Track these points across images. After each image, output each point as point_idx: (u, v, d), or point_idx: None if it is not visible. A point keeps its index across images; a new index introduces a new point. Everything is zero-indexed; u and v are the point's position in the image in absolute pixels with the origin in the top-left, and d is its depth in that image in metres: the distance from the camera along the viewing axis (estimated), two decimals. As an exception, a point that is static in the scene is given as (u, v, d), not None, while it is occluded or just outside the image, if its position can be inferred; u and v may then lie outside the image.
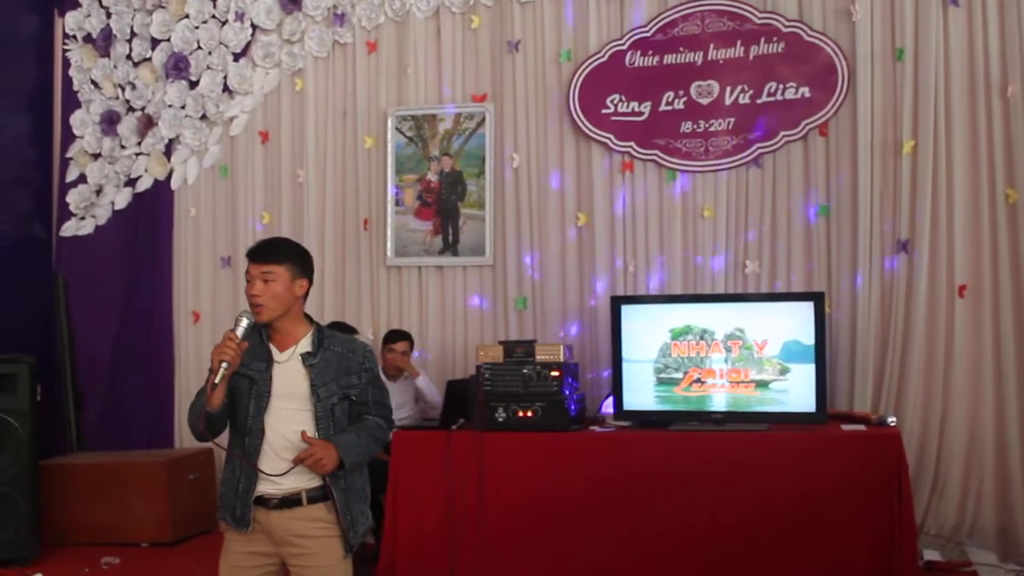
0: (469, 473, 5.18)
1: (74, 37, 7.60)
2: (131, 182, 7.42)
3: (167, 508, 6.39)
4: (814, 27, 6.06)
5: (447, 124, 6.76)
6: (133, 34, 7.37)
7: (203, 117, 7.23)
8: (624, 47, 6.39)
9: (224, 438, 3.40)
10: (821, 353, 5.24)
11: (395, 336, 6.34)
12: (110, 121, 7.46)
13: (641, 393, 5.50)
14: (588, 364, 6.33)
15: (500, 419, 5.29)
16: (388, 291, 6.86)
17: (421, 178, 6.81)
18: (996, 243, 5.76)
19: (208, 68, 7.16)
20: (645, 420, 5.46)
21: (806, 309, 5.29)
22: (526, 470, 5.17)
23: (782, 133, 6.08)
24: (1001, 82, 5.77)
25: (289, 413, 3.34)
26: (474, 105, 6.71)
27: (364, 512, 3.47)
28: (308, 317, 3.52)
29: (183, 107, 7.23)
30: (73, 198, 7.50)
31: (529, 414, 5.27)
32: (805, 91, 6.05)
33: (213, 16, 7.15)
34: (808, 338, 5.25)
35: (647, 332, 5.51)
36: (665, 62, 6.31)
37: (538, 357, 5.34)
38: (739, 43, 6.17)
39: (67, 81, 7.63)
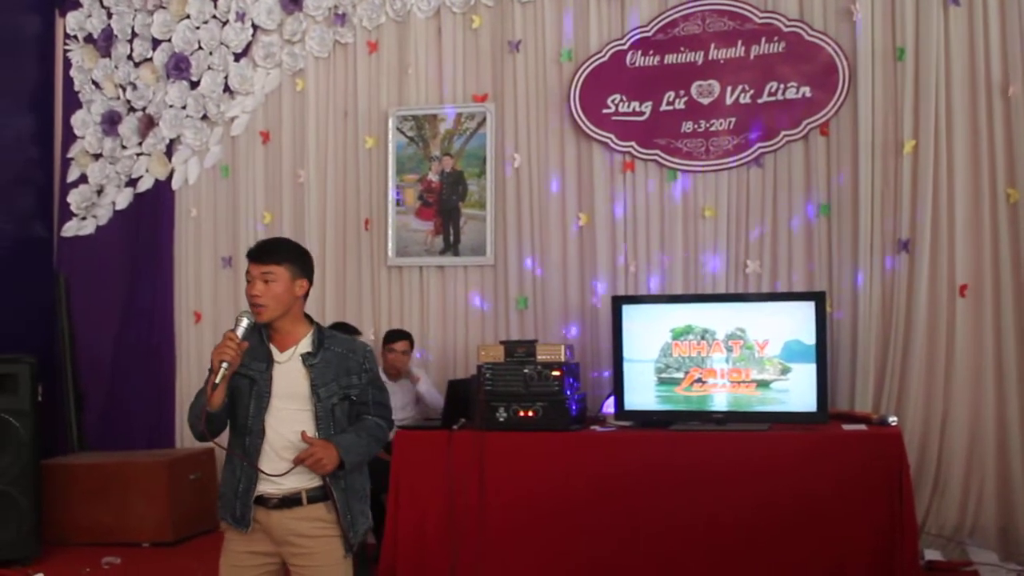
0: (470, 473, 5.18)
1: (75, 37, 7.60)
2: (132, 182, 7.43)
3: (168, 508, 6.39)
4: (815, 27, 6.06)
5: (448, 124, 6.76)
6: (134, 34, 7.38)
7: (204, 117, 7.23)
8: (625, 47, 6.39)
9: (224, 438, 3.40)
10: (822, 353, 5.24)
11: (395, 336, 6.34)
12: (111, 121, 7.46)
13: (642, 393, 5.50)
14: (589, 364, 6.33)
15: (501, 419, 5.29)
16: (389, 291, 6.86)
17: (422, 178, 6.81)
18: (997, 243, 5.76)
19: (209, 68, 7.16)
20: (646, 420, 5.46)
21: (807, 309, 5.29)
22: (527, 470, 5.17)
23: (783, 133, 6.08)
24: (1002, 81, 5.77)
25: (289, 413, 3.34)
26: (475, 105, 6.71)
27: (364, 512, 3.47)
28: (308, 317, 3.51)
29: (184, 107, 7.23)
30: (74, 198, 7.51)
31: (530, 414, 5.27)
32: (806, 91, 6.05)
33: (214, 16, 7.15)
34: (809, 338, 5.25)
35: (648, 332, 5.51)
36: (666, 62, 6.31)
37: (539, 357, 5.34)
38: (740, 43, 6.17)
39: (68, 81, 7.64)
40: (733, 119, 6.17)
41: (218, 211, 7.27)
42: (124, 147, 7.43)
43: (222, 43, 7.14)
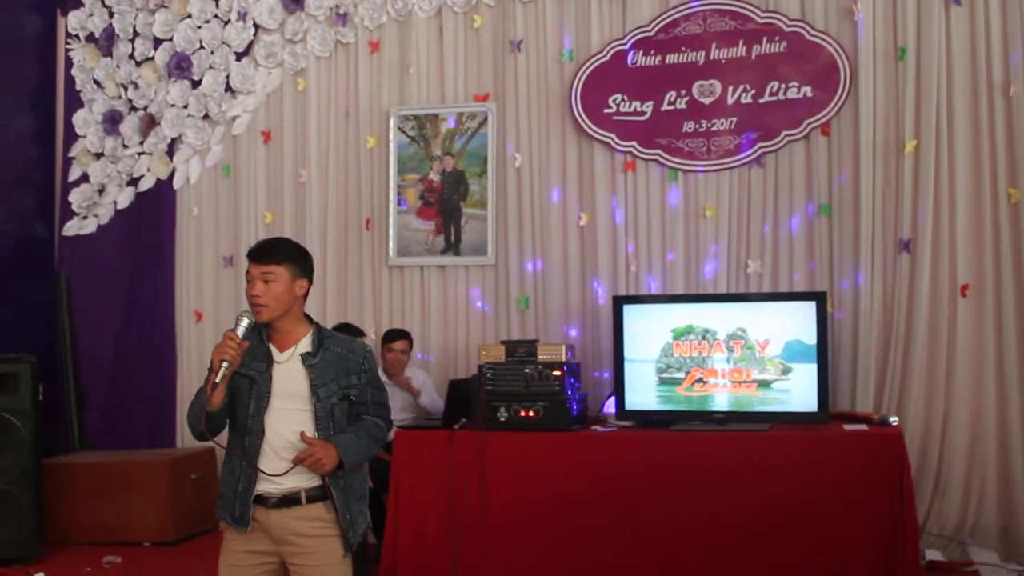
0: (471, 473, 5.18)
1: (77, 36, 7.60)
2: (133, 181, 7.43)
3: (169, 507, 6.39)
4: (816, 26, 6.06)
5: (449, 124, 6.76)
6: (136, 33, 7.38)
7: (205, 117, 7.23)
8: (626, 47, 6.39)
9: (223, 437, 3.40)
10: (823, 353, 5.24)
11: (394, 336, 6.33)
12: (112, 120, 7.46)
13: (643, 393, 5.50)
14: (590, 364, 6.34)
15: (502, 419, 5.29)
16: (390, 291, 6.86)
17: (423, 178, 6.81)
18: (998, 242, 5.75)
19: (210, 68, 7.17)
20: (647, 420, 5.46)
21: (808, 309, 5.29)
22: (528, 470, 5.17)
23: (784, 132, 6.08)
24: (1003, 81, 5.76)
25: (289, 413, 3.34)
26: (476, 105, 6.71)
27: (363, 512, 3.47)
28: (308, 317, 3.51)
29: (185, 106, 7.23)
30: (75, 197, 7.51)
31: (531, 414, 5.27)
32: (807, 90, 6.04)
33: (215, 16, 7.16)
34: (810, 338, 5.25)
35: (649, 332, 5.51)
36: (667, 62, 6.31)
37: (540, 357, 5.34)
38: (741, 42, 6.17)
39: (70, 80, 7.64)
40: (734, 119, 6.17)
41: (219, 210, 7.27)
42: (125, 146, 7.43)
43: (224, 42, 7.14)
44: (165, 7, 7.27)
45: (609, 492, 5.06)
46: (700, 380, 5.41)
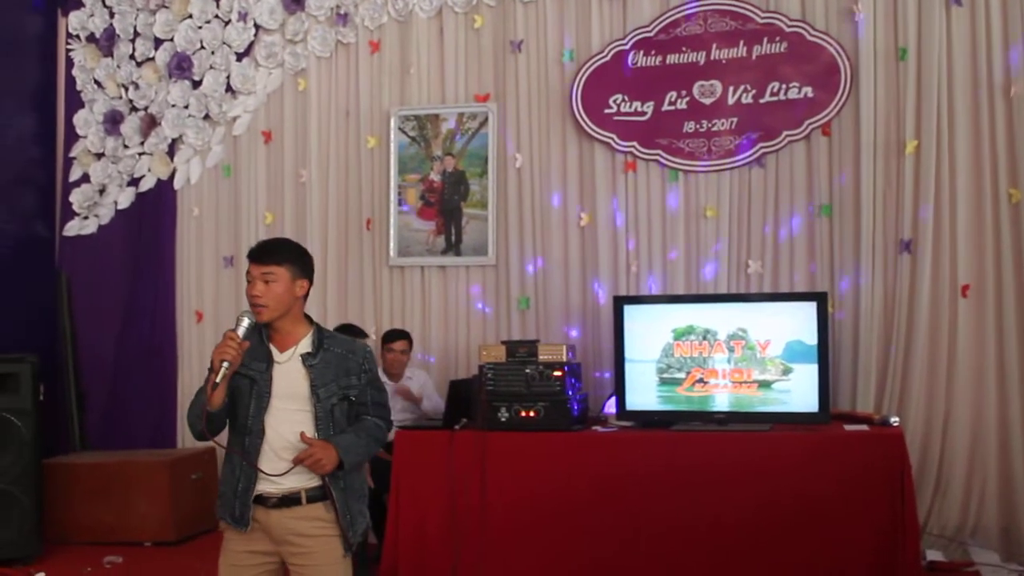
0: (472, 473, 5.18)
1: (77, 37, 7.61)
2: (134, 182, 7.43)
3: (170, 507, 6.40)
4: (817, 27, 6.06)
5: (450, 124, 6.76)
6: (136, 34, 7.38)
7: (206, 117, 7.23)
8: (627, 47, 6.39)
9: (223, 437, 3.40)
10: (824, 353, 5.23)
11: (393, 336, 6.33)
12: (113, 121, 7.46)
13: (644, 393, 5.50)
14: (591, 364, 6.34)
15: (503, 419, 5.29)
16: (391, 291, 6.86)
17: (424, 178, 6.81)
18: (999, 243, 5.75)
19: (211, 68, 7.17)
20: (648, 420, 5.46)
21: (809, 309, 5.28)
22: (529, 470, 5.17)
23: (785, 133, 6.08)
24: (1004, 82, 5.76)
25: (289, 413, 3.34)
26: (477, 105, 6.71)
27: (362, 512, 3.48)
28: (308, 317, 3.51)
29: (186, 107, 7.24)
30: (76, 198, 7.51)
31: (532, 414, 5.27)
32: (808, 91, 6.04)
33: (216, 16, 7.16)
34: (811, 338, 5.24)
35: (650, 332, 5.51)
36: (668, 62, 6.31)
37: (541, 357, 5.34)
38: (742, 43, 6.17)
39: (70, 81, 7.64)
40: (735, 119, 6.16)
41: (220, 211, 7.27)
42: (126, 146, 7.43)
43: (224, 43, 7.14)
44: (166, 7, 7.27)
45: (610, 492, 5.06)
46: (701, 380, 5.40)
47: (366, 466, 3.92)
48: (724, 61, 6.20)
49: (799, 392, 5.24)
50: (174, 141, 7.31)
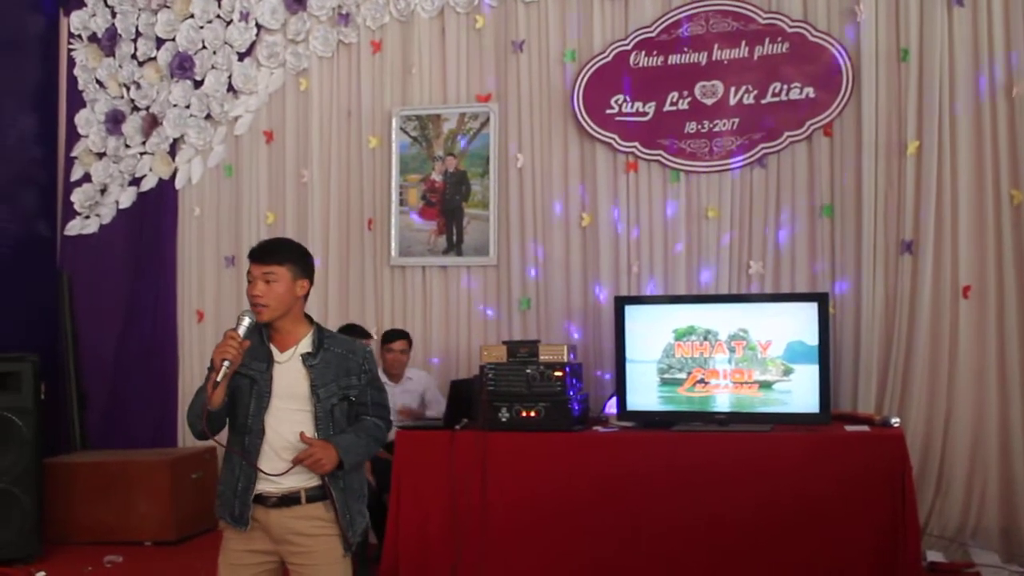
0: (472, 473, 5.17)
1: (79, 36, 7.61)
2: (135, 181, 7.44)
3: (170, 507, 6.40)
4: (818, 27, 6.06)
5: (451, 124, 6.76)
6: (138, 34, 7.39)
7: (208, 117, 7.24)
8: (628, 47, 6.39)
9: (223, 436, 3.41)
10: (825, 354, 5.23)
11: (393, 336, 6.32)
12: (115, 120, 7.47)
13: (645, 393, 5.49)
14: (592, 364, 6.34)
15: (504, 419, 5.28)
16: (392, 291, 6.86)
17: (425, 178, 6.81)
18: (1000, 244, 5.75)
19: (213, 68, 7.17)
20: (648, 421, 5.46)
21: (810, 310, 5.28)
22: (529, 470, 5.16)
23: (786, 133, 6.08)
24: (1006, 82, 5.76)
25: (289, 413, 3.34)
26: (478, 105, 6.71)
27: (362, 512, 3.48)
28: (308, 318, 3.51)
29: (188, 107, 7.24)
30: (78, 197, 7.51)
31: (532, 414, 5.26)
32: (809, 91, 6.04)
33: (218, 16, 7.16)
34: (812, 339, 5.24)
35: (651, 332, 5.51)
36: (669, 62, 6.31)
37: (542, 357, 5.33)
38: (743, 43, 6.17)
39: (72, 80, 7.65)
40: (736, 120, 6.16)
41: (221, 210, 7.27)
42: (128, 146, 7.44)
43: (226, 42, 7.15)
44: (167, 7, 7.27)
45: (610, 492, 5.05)
46: (702, 381, 5.40)
47: (367, 464, 3.92)
48: (726, 62, 6.20)
49: (800, 393, 5.23)
50: (175, 141, 7.32)
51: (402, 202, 6.82)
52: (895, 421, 5.20)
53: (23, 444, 5.96)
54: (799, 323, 5.28)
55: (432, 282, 6.78)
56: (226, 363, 3.21)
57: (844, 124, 6.03)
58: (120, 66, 7.45)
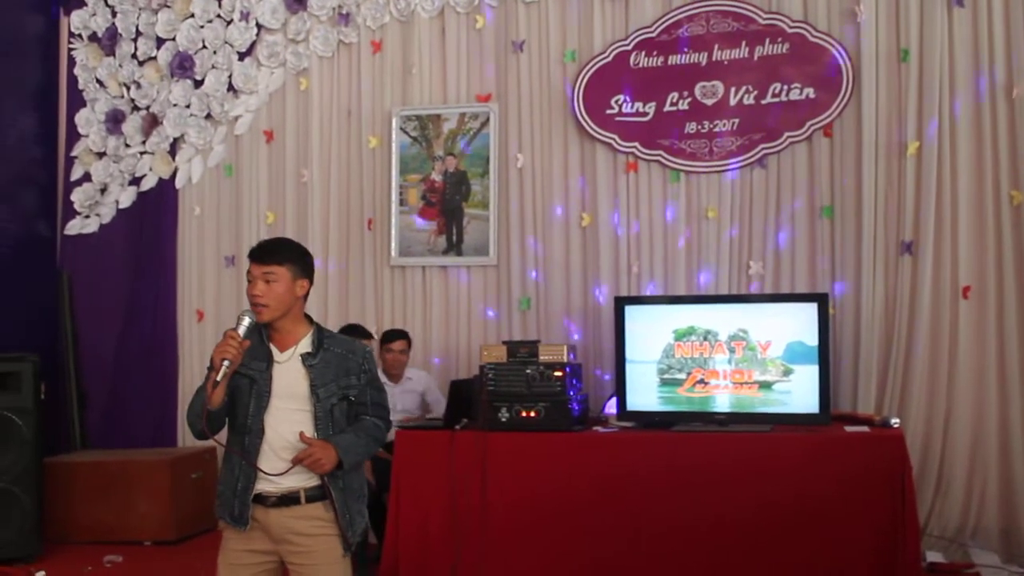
0: (472, 473, 5.17)
1: (79, 36, 7.61)
2: (136, 181, 7.44)
3: (170, 507, 6.40)
4: (819, 28, 6.06)
5: (451, 124, 6.76)
6: (138, 33, 7.39)
7: (208, 116, 7.24)
8: (629, 48, 6.38)
9: (223, 436, 3.41)
10: (825, 354, 5.22)
11: (392, 336, 6.32)
12: (115, 120, 7.47)
13: (644, 394, 5.49)
14: (592, 364, 6.34)
15: (503, 419, 5.28)
16: (392, 291, 6.86)
17: (425, 178, 6.81)
18: (1001, 245, 5.75)
19: (213, 67, 7.17)
20: (648, 421, 5.45)
21: (810, 310, 5.27)
22: (529, 470, 5.16)
23: (786, 134, 6.08)
24: (1006, 83, 5.76)
25: (288, 413, 3.35)
26: (478, 105, 6.71)
27: (361, 512, 3.48)
28: (308, 317, 3.51)
29: (188, 106, 7.24)
30: (78, 197, 7.52)
31: (532, 414, 5.26)
32: (810, 92, 6.04)
33: (218, 15, 7.16)
34: (812, 339, 5.24)
35: (651, 333, 5.50)
36: (670, 63, 6.31)
37: (542, 357, 5.33)
38: (744, 44, 6.17)
39: (72, 80, 7.65)
40: (736, 120, 6.16)
41: (221, 210, 7.27)
42: (128, 146, 7.44)
43: (226, 42, 7.15)
44: (168, 7, 7.27)
45: (610, 493, 5.05)
46: (701, 381, 5.40)
47: (367, 464, 3.92)
48: (726, 62, 6.20)
49: (800, 393, 5.23)
50: (176, 140, 7.32)
51: (402, 202, 6.82)
52: (895, 421, 5.20)
53: (23, 444, 5.96)
54: (799, 323, 5.28)
55: (432, 282, 6.78)
56: (226, 363, 3.21)
57: (844, 125, 6.03)
58: (120, 66, 7.45)
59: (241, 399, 3.35)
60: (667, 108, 6.29)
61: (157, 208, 7.37)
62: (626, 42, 6.39)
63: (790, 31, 6.08)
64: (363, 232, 6.93)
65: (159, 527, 6.40)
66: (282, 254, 3.42)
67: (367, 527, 3.60)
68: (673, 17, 6.31)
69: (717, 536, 4.92)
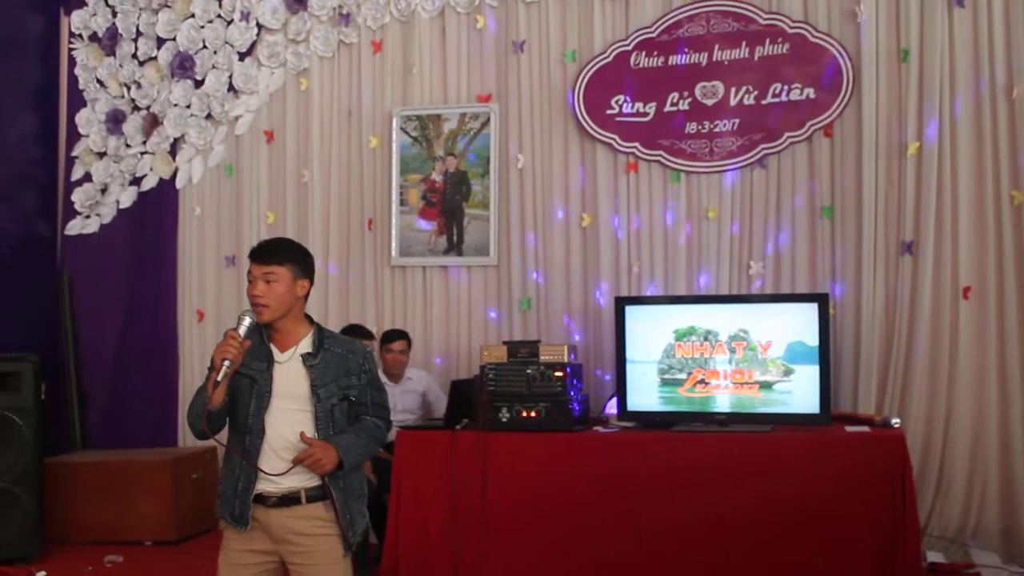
0: (473, 473, 5.17)
1: (80, 36, 7.61)
2: (136, 181, 7.44)
3: (170, 507, 6.40)
4: (819, 28, 6.06)
5: (452, 124, 6.76)
6: (139, 33, 7.39)
7: (208, 116, 7.24)
8: (629, 48, 6.39)
9: (223, 436, 3.41)
10: (825, 354, 5.23)
11: (392, 336, 6.32)
12: (115, 120, 7.47)
13: (645, 394, 5.49)
14: (592, 365, 6.34)
15: (504, 419, 5.28)
16: (392, 291, 6.86)
17: (426, 178, 6.81)
18: (1001, 245, 5.75)
19: (213, 67, 7.17)
20: (649, 421, 5.46)
21: (810, 310, 5.28)
22: (530, 470, 5.16)
23: (787, 134, 6.08)
24: (1007, 83, 5.76)
25: (289, 413, 3.35)
26: (479, 105, 6.71)
27: (362, 512, 3.49)
28: (309, 318, 3.52)
29: (188, 106, 7.24)
30: (78, 197, 7.51)
31: (533, 414, 5.26)
32: (810, 92, 6.04)
33: (219, 15, 7.16)
34: (812, 339, 5.24)
35: (651, 333, 5.51)
36: (670, 63, 6.31)
37: (542, 357, 5.33)
38: (744, 44, 6.17)
39: (73, 80, 7.65)
40: (737, 120, 6.16)
41: (222, 210, 7.27)
42: (128, 146, 7.44)
43: (227, 42, 7.15)
44: (168, 7, 7.27)
45: (611, 493, 5.06)
46: (702, 381, 5.40)
47: (368, 463, 3.92)
48: (726, 62, 6.20)
49: (800, 393, 5.23)
50: (176, 140, 7.32)
51: (402, 202, 6.82)
52: (895, 422, 5.21)
53: (24, 444, 5.97)
54: (799, 324, 5.28)
55: (432, 282, 6.78)
56: (227, 363, 3.22)
57: (844, 125, 6.03)
58: (121, 66, 7.45)
59: (242, 399, 3.35)
60: (667, 108, 6.29)
61: (157, 208, 7.37)
62: (626, 42, 6.39)
63: (790, 31, 6.08)
64: (363, 232, 6.93)
65: (160, 527, 6.40)
66: (282, 254, 3.42)
67: (368, 527, 3.60)
68: (673, 17, 6.31)
69: (718, 536, 4.92)
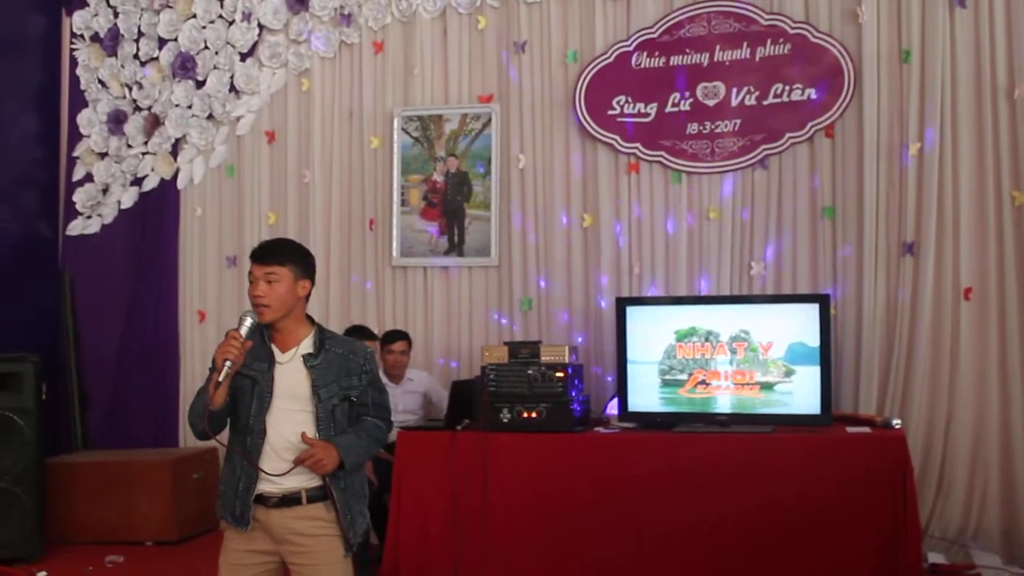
0: (474, 474, 5.17)
1: (81, 36, 7.61)
2: (137, 181, 7.44)
3: (171, 507, 6.40)
4: (820, 28, 6.06)
5: (453, 124, 6.76)
6: (140, 33, 7.39)
7: (210, 117, 7.24)
8: (630, 48, 6.39)
9: (224, 436, 3.41)
10: (826, 355, 5.23)
11: (393, 336, 6.32)
12: (117, 120, 7.47)
13: (646, 395, 5.49)
14: (593, 365, 6.34)
15: (505, 420, 5.28)
16: (393, 291, 6.86)
17: (427, 178, 6.81)
18: (1002, 246, 5.75)
19: (215, 68, 7.17)
20: (650, 422, 5.46)
21: (811, 311, 5.28)
22: (531, 471, 5.16)
23: (788, 135, 6.08)
24: (1008, 84, 5.76)
25: (290, 414, 3.35)
26: (480, 106, 6.72)
27: (362, 512, 3.49)
28: (310, 318, 3.52)
29: (190, 107, 7.24)
30: (79, 197, 7.51)
31: (534, 415, 5.26)
32: (811, 92, 6.04)
33: (220, 16, 7.16)
34: (813, 340, 5.24)
35: (652, 333, 5.50)
36: (671, 63, 6.31)
37: (543, 358, 5.33)
38: (745, 44, 6.17)
39: (74, 80, 7.65)
40: (738, 121, 6.16)
41: (223, 211, 7.27)
42: (130, 146, 7.44)
43: (228, 43, 7.15)
44: (170, 7, 7.28)
45: (612, 494, 5.06)
46: (703, 382, 5.40)
47: (369, 464, 3.92)
48: (727, 63, 6.20)
49: (801, 394, 5.23)
50: (177, 141, 7.32)
51: (404, 202, 6.82)
52: (896, 423, 5.21)
53: (24, 444, 5.97)
54: (800, 324, 5.28)
55: (433, 283, 6.78)
56: (228, 363, 3.22)
57: (846, 125, 6.03)
58: (122, 66, 7.46)
59: (243, 400, 3.36)
60: (669, 109, 6.29)
61: (159, 208, 7.37)
62: (628, 43, 6.39)
63: (792, 32, 6.08)
64: (364, 233, 6.93)
65: (160, 527, 6.40)
66: (284, 255, 3.42)
67: (368, 528, 3.60)
68: (675, 18, 6.31)
69: (718, 537, 4.92)
